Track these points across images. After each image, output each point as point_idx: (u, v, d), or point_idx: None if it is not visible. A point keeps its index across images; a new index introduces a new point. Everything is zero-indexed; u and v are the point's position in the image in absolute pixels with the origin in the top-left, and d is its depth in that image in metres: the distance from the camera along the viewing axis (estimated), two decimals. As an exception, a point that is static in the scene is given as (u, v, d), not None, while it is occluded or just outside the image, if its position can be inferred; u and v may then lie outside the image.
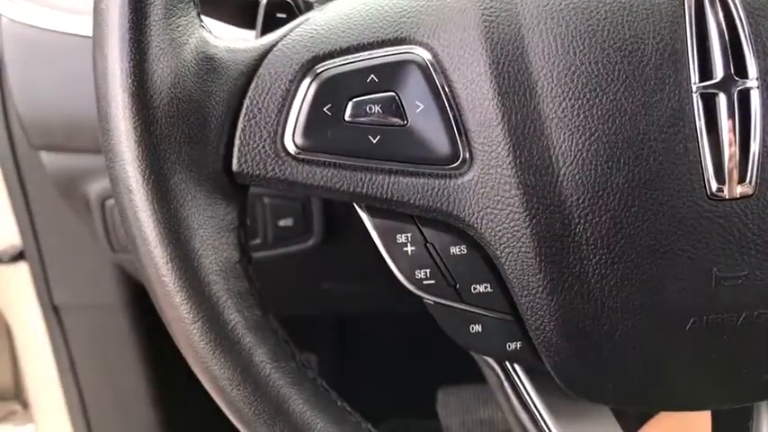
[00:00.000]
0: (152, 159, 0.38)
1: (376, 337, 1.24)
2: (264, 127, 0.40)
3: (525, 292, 0.40)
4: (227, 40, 0.41)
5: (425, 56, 0.40)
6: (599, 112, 0.38)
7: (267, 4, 0.50)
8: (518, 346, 0.42)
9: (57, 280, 0.93)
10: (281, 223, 0.80)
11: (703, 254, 0.39)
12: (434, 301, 0.42)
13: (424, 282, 0.42)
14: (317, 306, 1.02)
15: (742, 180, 0.38)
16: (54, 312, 0.96)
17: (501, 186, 0.39)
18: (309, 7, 0.53)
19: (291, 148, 0.40)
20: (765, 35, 0.38)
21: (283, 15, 0.50)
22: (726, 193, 0.38)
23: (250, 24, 0.52)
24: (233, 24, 0.53)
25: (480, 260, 0.41)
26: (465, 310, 0.42)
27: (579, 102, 0.38)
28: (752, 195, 0.38)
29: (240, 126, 0.40)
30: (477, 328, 0.42)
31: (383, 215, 0.42)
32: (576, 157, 0.38)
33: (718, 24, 0.38)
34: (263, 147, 0.40)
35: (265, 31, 0.50)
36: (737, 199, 0.38)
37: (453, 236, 0.41)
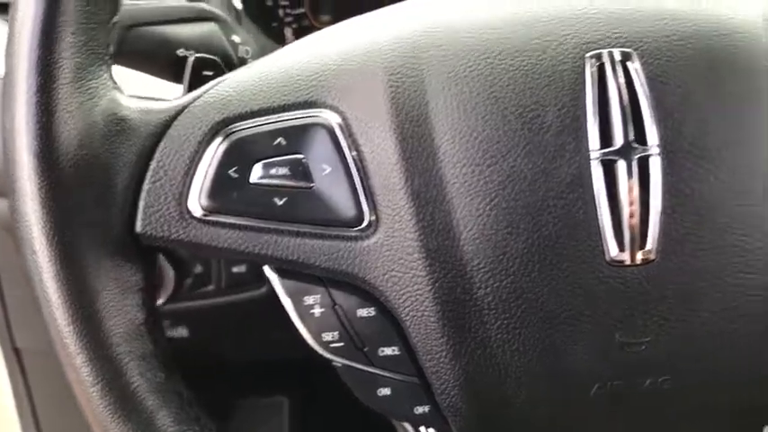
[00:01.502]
0: (56, 222, 0.38)
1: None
2: (170, 188, 0.40)
3: (429, 356, 0.40)
4: (142, 101, 0.42)
5: (333, 119, 0.40)
6: (499, 178, 0.38)
7: (195, 61, 0.51)
8: (426, 410, 0.42)
9: (18, 324, 0.93)
10: (235, 269, 0.80)
11: (605, 320, 0.39)
12: (342, 364, 0.42)
13: (332, 344, 0.42)
14: (279, 350, 1.02)
15: (642, 246, 0.38)
16: (15, 354, 0.96)
17: (404, 250, 0.39)
18: (244, 64, 0.54)
19: (196, 210, 0.40)
20: (667, 102, 0.39)
21: (210, 73, 0.50)
22: (626, 260, 0.38)
23: (181, 80, 0.53)
24: (165, 79, 0.54)
25: (388, 323, 0.41)
26: (373, 373, 0.42)
27: (480, 167, 0.39)
28: (653, 261, 0.38)
29: (146, 188, 0.40)
30: (386, 391, 0.42)
31: (292, 276, 0.42)
32: (476, 222, 0.39)
33: (619, 91, 0.38)
34: (168, 209, 0.40)
35: (192, 88, 0.51)
36: (639, 265, 0.38)
37: (362, 298, 0.41)
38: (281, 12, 1.04)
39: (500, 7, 0.42)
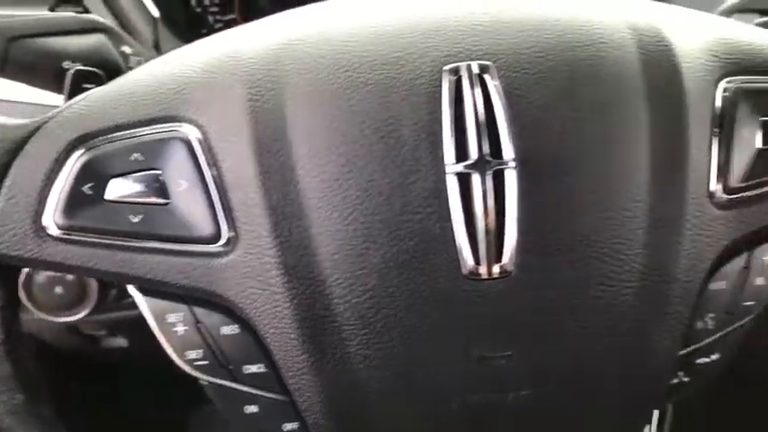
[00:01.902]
0: None
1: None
2: (24, 206, 0.39)
3: (291, 373, 0.39)
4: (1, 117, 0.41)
5: (192, 133, 0.40)
6: (355, 193, 0.38)
7: (75, 73, 0.50)
8: (295, 427, 0.41)
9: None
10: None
11: (464, 334, 0.39)
12: (208, 381, 0.41)
13: (197, 362, 0.41)
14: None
15: (499, 259, 0.38)
16: None
17: (262, 266, 0.38)
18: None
19: (52, 228, 0.39)
20: (524, 115, 0.38)
21: (91, 86, 0.49)
22: (483, 273, 0.38)
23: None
24: (51, 91, 0.53)
25: (252, 340, 0.40)
26: (240, 391, 0.41)
27: (336, 182, 0.38)
28: (510, 274, 0.38)
29: None
30: (253, 408, 0.41)
31: (154, 294, 0.41)
32: (333, 237, 0.38)
33: (475, 105, 0.38)
34: (22, 227, 0.39)
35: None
36: (496, 278, 0.38)
37: (225, 315, 0.41)
38: (210, 18, 1.03)
39: (365, 19, 0.42)
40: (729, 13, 0.57)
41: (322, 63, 0.40)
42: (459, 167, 0.38)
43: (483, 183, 0.37)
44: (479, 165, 0.38)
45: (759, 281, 0.43)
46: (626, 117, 0.40)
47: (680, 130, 0.40)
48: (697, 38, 0.43)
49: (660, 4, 0.46)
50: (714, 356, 0.43)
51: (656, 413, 0.47)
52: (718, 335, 0.43)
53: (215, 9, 0.99)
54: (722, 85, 0.41)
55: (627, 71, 0.40)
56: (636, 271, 0.39)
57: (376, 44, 0.40)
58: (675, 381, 0.43)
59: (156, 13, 0.78)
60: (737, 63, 0.42)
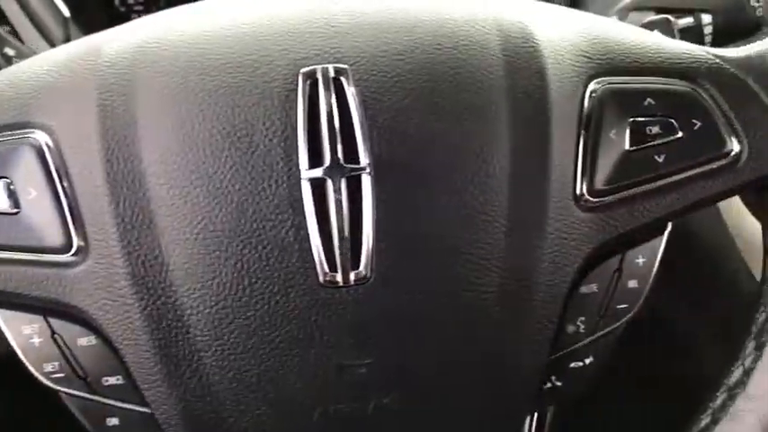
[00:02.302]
0: None
1: None
2: None
3: (147, 386, 0.38)
4: None
5: (43, 139, 0.38)
6: (206, 200, 0.37)
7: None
8: None
9: None
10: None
11: (323, 343, 0.38)
12: (67, 393, 0.40)
13: (54, 374, 0.40)
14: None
15: (356, 266, 0.37)
16: None
17: (113, 277, 0.37)
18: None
19: None
20: (381, 119, 0.38)
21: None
22: (339, 280, 0.37)
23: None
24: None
25: (110, 352, 0.39)
26: (100, 403, 0.40)
27: (187, 189, 0.37)
28: (368, 281, 0.37)
29: None
30: (115, 420, 0.40)
31: (10, 306, 0.40)
32: (184, 246, 0.37)
33: (329, 109, 0.37)
34: None
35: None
36: (353, 285, 0.37)
37: (82, 326, 0.39)
38: (135, 17, 1.01)
39: (224, 21, 0.41)
40: (627, 10, 0.57)
41: (175, 66, 0.39)
42: (313, 173, 0.37)
43: (337, 188, 0.37)
44: (333, 170, 0.37)
45: (631, 284, 0.43)
46: (487, 120, 0.39)
47: (543, 133, 0.40)
48: (568, 38, 0.42)
49: (537, 2, 0.45)
50: (588, 360, 0.43)
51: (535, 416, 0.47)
52: (590, 339, 0.42)
53: (140, 8, 0.97)
54: (591, 85, 0.41)
55: (489, 73, 0.40)
56: (497, 275, 0.39)
57: (231, 46, 0.39)
58: (548, 385, 0.43)
59: (66, 12, 0.76)
60: (608, 63, 0.42)
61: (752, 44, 0.44)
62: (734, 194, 0.43)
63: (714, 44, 0.55)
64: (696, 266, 0.66)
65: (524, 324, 0.39)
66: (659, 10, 0.55)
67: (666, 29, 0.52)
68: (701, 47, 0.44)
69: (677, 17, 0.55)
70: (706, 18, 0.54)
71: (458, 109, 0.39)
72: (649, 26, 0.52)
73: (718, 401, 0.43)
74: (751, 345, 0.43)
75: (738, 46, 0.45)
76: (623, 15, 0.56)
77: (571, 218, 0.40)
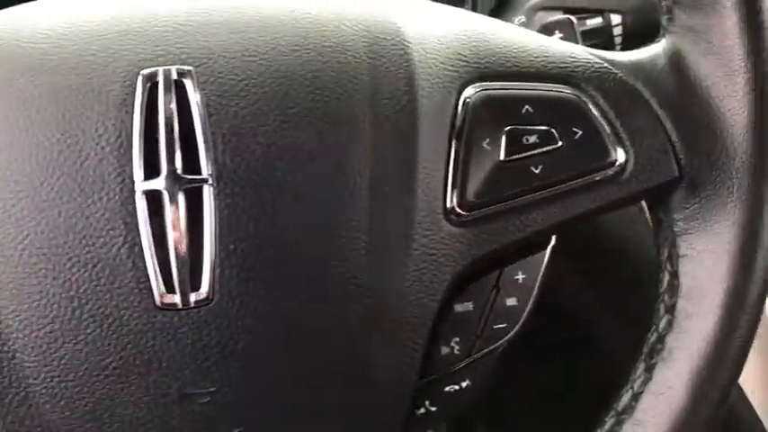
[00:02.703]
0: None
1: None
2: None
3: None
4: None
5: None
6: (31, 214, 0.34)
7: None
8: None
9: None
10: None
11: (162, 370, 0.35)
12: None
13: None
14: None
15: (196, 287, 0.34)
16: None
17: None
18: None
19: None
20: (226, 126, 0.35)
21: None
22: (178, 303, 0.34)
23: None
24: None
25: None
26: None
27: (10, 202, 0.34)
28: (210, 303, 0.34)
29: None
30: None
31: None
32: (7, 264, 0.34)
33: (168, 115, 0.34)
34: None
35: None
36: (194, 308, 0.34)
37: None
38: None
39: (61, 18, 0.37)
40: (535, 10, 0.54)
41: (6, 68, 0.36)
42: (149, 185, 0.34)
43: (174, 202, 0.34)
44: (170, 182, 0.34)
45: (510, 302, 0.40)
46: (347, 128, 0.36)
47: (409, 143, 0.37)
48: (444, 40, 0.39)
49: (420, 0, 0.43)
50: (464, 384, 0.40)
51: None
52: (466, 361, 0.40)
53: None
54: (466, 91, 0.38)
55: (352, 78, 0.37)
56: (357, 295, 0.36)
57: (67, 46, 0.36)
58: (422, 411, 0.40)
59: None
60: (486, 67, 0.39)
61: (646, 47, 0.41)
62: (620, 207, 0.40)
63: (624, 46, 0.53)
64: (616, 268, 0.64)
65: (390, 347, 0.37)
66: (567, 10, 0.52)
67: (568, 30, 0.49)
68: (590, 50, 0.41)
69: (586, 18, 0.52)
70: (615, 19, 0.52)
71: (315, 115, 0.36)
72: (551, 27, 0.50)
73: (606, 427, 0.41)
74: (641, 367, 0.40)
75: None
76: (531, 15, 0.53)
77: (440, 233, 0.37)
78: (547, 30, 0.49)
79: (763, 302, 0.40)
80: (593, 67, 0.40)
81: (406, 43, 0.38)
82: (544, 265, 0.41)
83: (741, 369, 0.40)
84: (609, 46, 0.51)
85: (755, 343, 0.66)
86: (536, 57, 0.40)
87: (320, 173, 0.35)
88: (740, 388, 0.64)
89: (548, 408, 0.72)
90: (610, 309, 0.64)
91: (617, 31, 0.51)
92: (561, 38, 0.50)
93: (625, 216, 0.64)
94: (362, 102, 0.36)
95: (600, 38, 0.51)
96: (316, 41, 0.37)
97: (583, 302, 0.66)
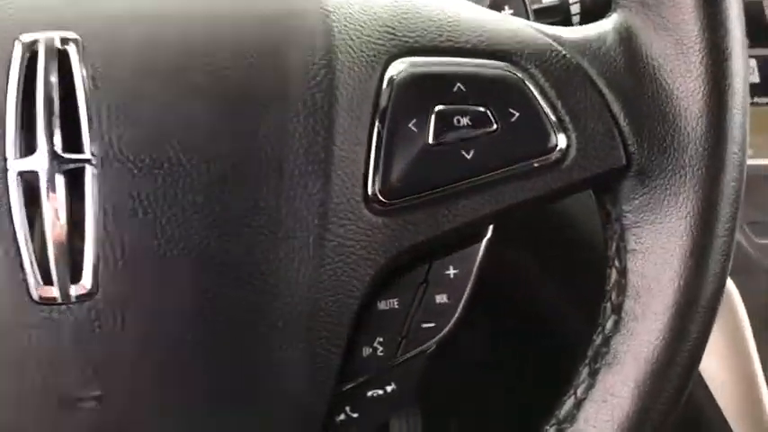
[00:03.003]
0: None
1: None
2: None
3: None
4: None
5: None
6: None
7: None
8: None
9: None
10: None
11: (42, 372, 0.31)
12: None
13: None
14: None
15: (76, 280, 0.31)
16: None
17: None
18: None
19: None
20: (115, 101, 0.31)
21: None
22: (57, 296, 0.31)
23: None
24: None
25: None
26: None
27: None
28: (94, 296, 0.31)
29: None
30: None
31: None
32: None
33: (48, 88, 0.30)
34: None
35: None
36: (75, 302, 0.31)
37: None
38: None
39: None
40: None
41: None
42: (23, 164, 0.30)
43: (52, 184, 0.30)
44: (48, 161, 0.30)
45: (440, 298, 0.37)
46: (252, 104, 0.32)
47: (327, 122, 0.33)
48: (371, 11, 0.36)
49: None
50: (389, 388, 0.37)
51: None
52: (390, 364, 0.36)
53: None
54: (392, 68, 0.34)
55: (264, 49, 0.33)
56: (261, 290, 0.32)
57: None
58: (342, 417, 0.37)
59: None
60: (415, 41, 0.35)
61: (596, 23, 0.38)
62: (562, 197, 0.36)
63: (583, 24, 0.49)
64: (576, 258, 0.60)
65: (302, 349, 0.33)
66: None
67: (518, 5, 0.45)
68: (535, 25, 0.38)
69: (543, -6, 0.48)
70: (573, -5, 0.48)
71: (215, 89, 0.32)
72: (500, 2, 0.46)
73: None
74: (585, 371, 0.37)
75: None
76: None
77: (359, 222, 0.33)
78: (496, 5, 0.46)
79: (717, 304, 0.36)
80: (535, 43, 0.36)
81: (325, 12, 0.35)
82: (479, 259, 0.37)
83: (692, 377, 0.36)
84: (566, 25, 0.47)
85: (723, 333, 0.63)
86: (472, 30, 0.36)
87: (220, 153, 0.32)
88: (706, 386, 0.61)
89: (513, 400, 0.69)
90: (572, 303, 0.61)
91: (575, 9, 0.48)
92: (512, 14, 0.47)
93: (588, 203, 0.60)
94: (272, 75, 0.33)
95: (556, 16, 0.47)
96: (224, 10, 0.33)
97: (542, 294, 0.62)
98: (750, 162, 0.66)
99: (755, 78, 0.68)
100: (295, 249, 0.32)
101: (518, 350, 0.70)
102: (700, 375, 0.62)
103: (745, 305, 0.61)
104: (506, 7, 0.46)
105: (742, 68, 0.35)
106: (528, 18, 0.46)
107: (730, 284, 0.61)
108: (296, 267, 0.32)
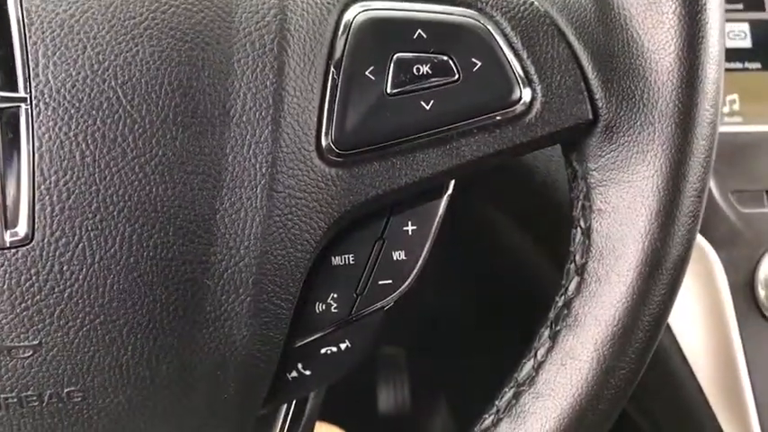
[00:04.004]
0: None
1: None
2: None
3: None
4: None
5: None
6: None
7: None
8: None
9: None
10: None
11: None
12: None
13: None
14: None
15: (13, 225, 0.29)
16: None
17: None
18: None
19: None
20: (51, 39, 0.29)
21: None
22: None
23: None
24: None
25: None
26: None
27: None
28: (30, 243, 0.30)
29: None
30: None
31: None
32: None
33: None
34: None
35: None
36: (11, 248, 0.30)
37: None
38: None
39: None
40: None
41: None
42: None
43: None
44: None
45: (398, 255, 0.36)
46: (198, 45, 0.31)
47: (277, 69, 0.31)
48: None
49: None
50: (343, 345, 0.36)
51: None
52: (345, 320, 0.35)
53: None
54: (350, 11, 0.33)
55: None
56: (208, 241, 0.31)
57: None
58: (293, 375, 0.36)
59: None
60: None
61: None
62: (525, 152, 0.35)
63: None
64: (542, 204, 0.59)
65: (248, 302, 0.32)
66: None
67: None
68: None
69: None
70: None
71: (158, 28, 0.30)
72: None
73: (504, 399, 0.36)
74: (546, 333, 0.36)
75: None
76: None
77: (312, 173, 0.32)
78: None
79: (683, 267, 0.35)
80: None
81: None
82: (439, 216, 0.36)
83: (655, 341, 0.35)
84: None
85: (704, 306, 0.61)
86: None
87: (163, 96, 0.30)
88: (686, 360, 0.60)
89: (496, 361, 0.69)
90: (545, 259, 0.60)
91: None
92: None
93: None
94: (218, 15, 0.31)
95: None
96: None
97: (514, 253, 0.61)
98: (740, 129, 0.65)
99: (747, 43, 0.66)
100: (242, 199, 0.31)
101: (495, 309, 0.69)
102: (680, 349, 0.61)
103: (728, 277, 0.60)
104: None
105: (717, 20, 0.33)
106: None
107: (713, 256, 0.60)
108: (242, 217, 0.31)
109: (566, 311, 0.35)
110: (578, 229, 0.35)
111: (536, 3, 0.34)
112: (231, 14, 0.32)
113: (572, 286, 0.35)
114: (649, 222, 0.34)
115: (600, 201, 0.35)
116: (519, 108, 0.34)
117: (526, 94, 0.34)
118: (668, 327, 0.60)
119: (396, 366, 0.90)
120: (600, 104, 0.34)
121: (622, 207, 0.34)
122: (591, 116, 0.34)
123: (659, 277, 0.34)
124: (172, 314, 0.31)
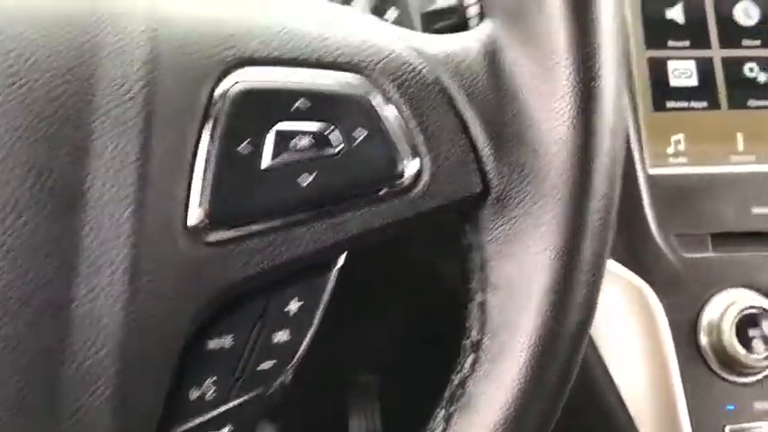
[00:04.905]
0: None
1: None
2: None
3: None
4: None
5: None
6: None
7: None
8: None
9: None
10: None
11: None
12: None
13: None
14: None
15: None
16: None
17: None
18: None
19: None
20: None
21: None
22: None
23: None
24: None
25: None
26: None
27: None
28: None
29: None
30: None
31: None
32: None
33: None
34: None
35: None
36: None
37: None
38: None
39: None
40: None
41: None
42: None
43: None
44: None
45: (281, 336, 0.34)
46: (55, 121, 0.29)
47: (140, 143, 0.30)
48: (203, 18, 0.32)
49: None
50: (226, 429, 0.34)
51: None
52: (224, 408, 0.33)
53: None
54: (226, 81, 0.31)
55: (68, 51, 0.30)
56: (60, 331, 0.29)
57: None
58: None
59: None
60: (255, 50, 0.32)
61: (462, 33, 0.35)
62: (415, 228, 0.33)
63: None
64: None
65: (112, 395, 0.30)
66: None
67: (403, 7, 0.42)
68: (400, 33, 0.34)
69: (441, -6, 0.45)
70: (470, -3, 0.44)
71: (17, 108, 0.29)
72: (385, 4, 0.42)
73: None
74: (440, 414, 0.34)
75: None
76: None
77: (178, 255, 0.30)
78: (379, 8, 0.42)
79: (580, 347, 0.33)
80: (392, 54, 0.33)
81: (152, 20, 0.31)
82: (328, 291, 0.34)
83: (551, 423, 0.33)
84: (463, 29, 0.44)
85: (645, 352, 0.60)
86: (321, 39, 0.32)
87: (16, 175, 0.28)
88: (625, 408, 0.58)
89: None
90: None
91: (472, 11, 0.44)
92: (397, 16, 0.43)
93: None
94: (80, 89, 0.29)
95: (449, 19, 0.44)
96: (35, 6, 0.30)
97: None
98: (684, 171, 0.63)
99: (693, 81, 0.64)
100: (100, 285, 0.29)
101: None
102: (620, 397, 0.59)
103: (670, 323, 0.58)
104: (392, 8, 0.42)
105: (612, 88, 0.32)
106: (410, 20, 0.43)
107: (654, 300, 0.58)
108: (100, 305, 0.29)
109: (460, 391, 0.33)
110: (474, 302, 0.34)
111: (426, 69, 0.33)
112: (93, 88, 0.30)
113: (467, 363, 0.34)
114: (542, 299, 0.32)
115: (494, 275, 0.33)
116: (406, 181, 0.32)
117: (413, 166, 0.32)
118: (607, 372, 0.59)
119: (367, 394, 0.89)
120: (491, 176, 0.32)
121: (516, 282, 0.32)
122: (481, 188, 0.32)
123: (554, 357, 0.32)
124: (24, 409, 0.29)
